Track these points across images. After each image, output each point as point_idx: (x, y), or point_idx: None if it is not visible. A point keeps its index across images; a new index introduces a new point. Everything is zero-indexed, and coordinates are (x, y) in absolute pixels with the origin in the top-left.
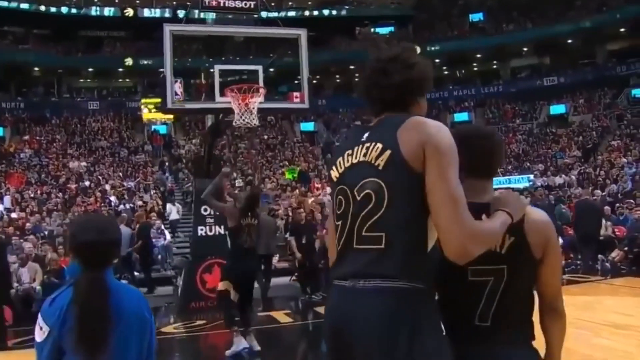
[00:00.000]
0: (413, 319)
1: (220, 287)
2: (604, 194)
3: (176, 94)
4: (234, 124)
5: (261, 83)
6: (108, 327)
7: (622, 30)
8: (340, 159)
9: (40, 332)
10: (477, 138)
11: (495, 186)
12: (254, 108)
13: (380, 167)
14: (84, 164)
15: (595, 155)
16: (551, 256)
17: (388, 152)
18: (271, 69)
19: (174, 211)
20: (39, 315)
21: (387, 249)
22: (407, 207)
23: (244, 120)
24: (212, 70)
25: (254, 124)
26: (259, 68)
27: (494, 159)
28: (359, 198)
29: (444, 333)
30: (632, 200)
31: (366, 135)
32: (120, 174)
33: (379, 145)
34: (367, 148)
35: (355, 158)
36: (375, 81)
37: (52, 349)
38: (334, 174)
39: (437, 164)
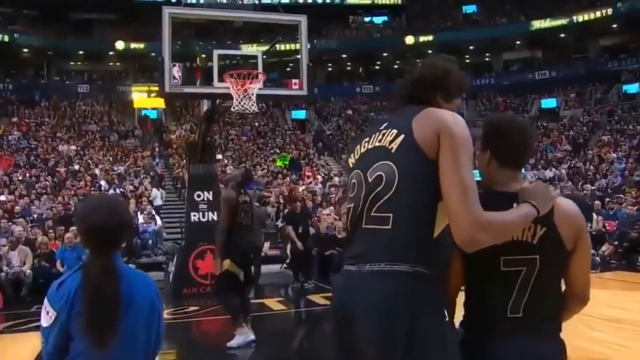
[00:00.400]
0: (414, 303)
1: (225, 267)
2: (593, 188)
3: (174, 78)
4: (232, 109)
5: (260, 69)
6: (118, 312)
7: (615, 26)
8: (358, 146)
9: (47, 316)
10: (511, 128)
11: None
12: (253, 94)
13: (392, 150)
14: (73, 147)
15: (586, 150)
16: (582, 247)
17: (402, 136)
18: (264, 56)
19: (157, 197)
20: (45, 300)
21: (394, 229)
22: (416, 191)
23: (242, 106)
24: (203, 55)
25: (253, 111)
26: (259, 54)
27: (527, 150)
28: (370, 180)
29: (447, 319)
30: (622, 195)
31: (385, 124)
32: (110, 158)
33: (394, 131)
34: (383, 134)
35: (371, 144)
36: (400, 80)
37: (59, 334)
38: (351, 160)
39: (451, 151)
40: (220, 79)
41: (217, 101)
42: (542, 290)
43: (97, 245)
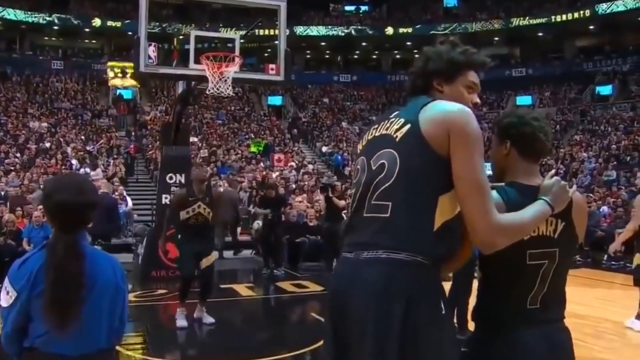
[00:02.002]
0: (410, 290)
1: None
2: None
3: (149, 57)
4: (207, 92)
5: (237, 52)
6: (81, 293)
7: (592, 27)
8: (367, 133)
9: (7, 296)
10: (532, 119)
11: None
12: (228, 78)
13: (397, 139)
14: (45, 124)
15: (558, 148)
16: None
17: (408, 126)
18: (242, 40)
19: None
20: (6, 279)
21: (392, 218)
22: (417, 181)
23: (218, 89)
24: (181, 36)
25: (228, 94)
26: (236, 37)
27: (548, 142)
28: (374, 167)
29: (444, 312)
30: (591, 194)
31: (395, 112)
32: (83, 137)
33: (402, 120)
34: (391, 123)
35: (379, 132)
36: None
37: (19, 314)
38: (359, 147)
39: (464, 150)
40: (197, 61)
41: (193, 83)
42: (557, 282)
43: (63, 223)
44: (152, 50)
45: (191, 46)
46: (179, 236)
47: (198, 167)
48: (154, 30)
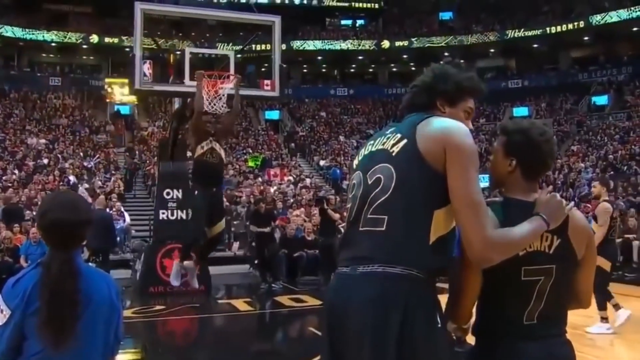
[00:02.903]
0: (405, 306)
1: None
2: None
3: (145, 75)
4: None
5: (232, 69)
6: (76, 311)
7: (586, 38)
8: (363, 149)
9: (1, 315)
10: (543, 141)
11: None
12: (223, 95)
13: (393, 154)
14: (43, 141)
15: (555, 159)
16: (590, 256)
17: (404, 141)
18: (238, 55)
19: None
20: (0, 297)
21: (388, 232)
22: (412, 195)
23: (212, 106)
24: (177, 52)
25: (223, 112)
26: (231, 54)
27: (552, 162)
28: (370, 182)
29: (440, 325)
30: (589, 205)
31: (392, 129)
32: (81, 153)
33: (398, 136)
34: (388, 138)
35: (375, 147)
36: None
37: (13, 333)
38: (355, 162)
39: (458, 165)
40: (192, 78)
41: (189, 100)
42: (556, 299)
43: (57, 241)
44: (147, 68)
45: (186, 63)
46: (195, 191)
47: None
48: (150, 46)
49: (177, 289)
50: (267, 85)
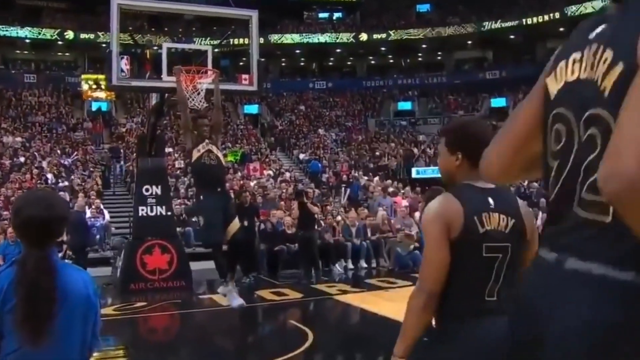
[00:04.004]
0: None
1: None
2: (539, 186)
3: (122, 70)
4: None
5: (210, 64)
6: (53, 308)
7: (562, 29)
8: (563, 63)
9: None
10: (484, 133)
11: (436, 175)
12: (201, 90)
13: (605, 94)
14: (19, 139)
15: None
16: (533, 238)
17: (620, 66)
18: (216, 49)
19: None
20: None
21: (617, 224)
22: None
23: (191, 101)
24: (154, 47)
25: (201, 106)
26: (209, 48)
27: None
28: (584, 137)
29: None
30: None
31: (597, 31)
32: (59, 151)
33: (609, 54)
34: (595, 55)
35: (583, 70)
36: None
37: None
38: (552, 85)
39: None
40: (170, 73)
41: (166, 95)
42: (511, 276)
43: (32, 239)
44: (124, 63)
45: (163, 58)
46: (201, 196)
47: (200, 114)
48: (126, 42)
49: (158, 285)
50: (245, 79)
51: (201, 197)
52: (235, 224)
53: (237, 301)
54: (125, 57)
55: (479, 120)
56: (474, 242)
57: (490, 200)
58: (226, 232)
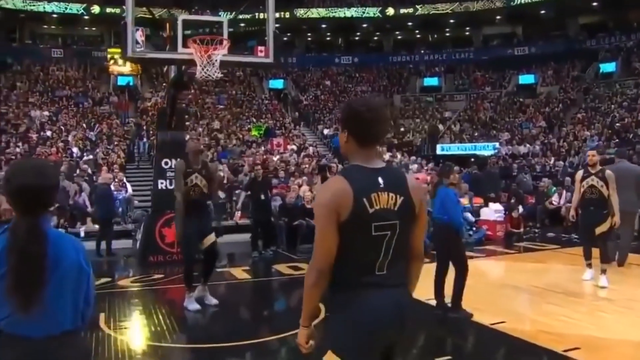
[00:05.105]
0: None
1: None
2: (565, 164)
3: (137, 42)
4: (196, 76)
5: (226, 35)
6: (44, 275)
7: (594, 4)
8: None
9: None
10: (365, 111)
11: (461, 152)
12: (216, 60)
13: None
14: (46, 113)
15: (560, 127)
16: (423, 213)
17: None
18: (242, 24)
19: None
20: None
21: None
22: None
23: (206, 72)
24: (178, 22)
25: (216, 77)
26: (224, 20)
27: (380, 129)
28: None
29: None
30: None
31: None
32: (84, 125)
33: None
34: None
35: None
36: None
37: None
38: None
39: None
40: (185, 45)
41: (183, 67)
42: (400, 251)
43: (23, 206)
44: (139, 35)
45: (179, 30)
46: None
47: (193, 139)
48: (146, 16)
49: (176, 257)
50: (261, 51)
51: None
52: (210, 238)
53: (194, 306)
54: (140, 28)
55: (372, 101)
56: (364, 223)
57: (380, 180)
58: (202, 244)
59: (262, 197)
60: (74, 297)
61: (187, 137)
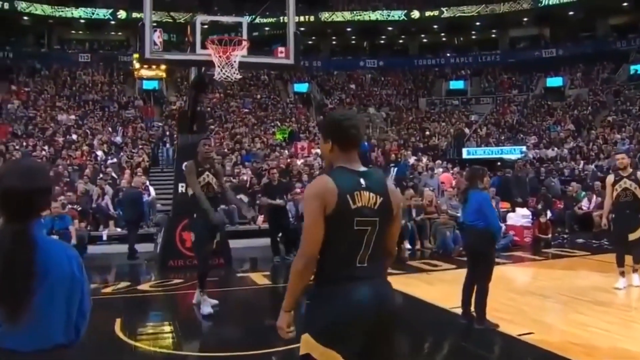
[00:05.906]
0: None
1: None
2: (594, 169)
3: (155, 43)
4: (214, 77)
5: (245, 36)
6: (31, 284)
7: (625, 4)
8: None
9: None
10: (345, 120)
11: (487, 156)
12: (235, 61)
13: None
14: (72, 117)
15: (589, 130)
16: (398, 217)
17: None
18: (266, 28)
19: None
20: None
21: None
22: None
23: (224, 73)
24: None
25: (235, 78)
26: (244, 20)
27: (357, 137)
28: None
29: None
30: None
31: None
32: (110, 128)
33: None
34: None
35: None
36: None
37: None
38: None
39: None
40: (203, 46)
41: (203, 69)
42: (379, 246)
43: (11, 211)
44: (157, 37)
45: (197, 31)
46: (194, 215)
47: (205, 144)
48: (168, 20)
49: (196, 262)
50: (281, 52)
51: (195, 215)
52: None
53: (208, 309)
54: (158, 30)
55: (348, 112)
56: (347, 217)
57: (362, 181)
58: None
59: (280, 202)
60: (66, 308)
61: (200, 140)
